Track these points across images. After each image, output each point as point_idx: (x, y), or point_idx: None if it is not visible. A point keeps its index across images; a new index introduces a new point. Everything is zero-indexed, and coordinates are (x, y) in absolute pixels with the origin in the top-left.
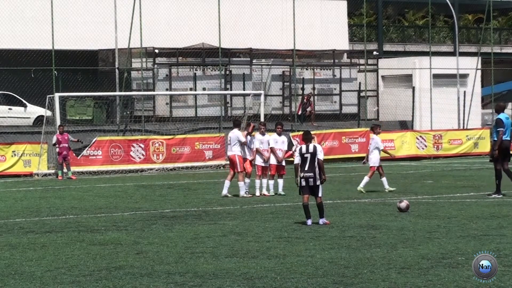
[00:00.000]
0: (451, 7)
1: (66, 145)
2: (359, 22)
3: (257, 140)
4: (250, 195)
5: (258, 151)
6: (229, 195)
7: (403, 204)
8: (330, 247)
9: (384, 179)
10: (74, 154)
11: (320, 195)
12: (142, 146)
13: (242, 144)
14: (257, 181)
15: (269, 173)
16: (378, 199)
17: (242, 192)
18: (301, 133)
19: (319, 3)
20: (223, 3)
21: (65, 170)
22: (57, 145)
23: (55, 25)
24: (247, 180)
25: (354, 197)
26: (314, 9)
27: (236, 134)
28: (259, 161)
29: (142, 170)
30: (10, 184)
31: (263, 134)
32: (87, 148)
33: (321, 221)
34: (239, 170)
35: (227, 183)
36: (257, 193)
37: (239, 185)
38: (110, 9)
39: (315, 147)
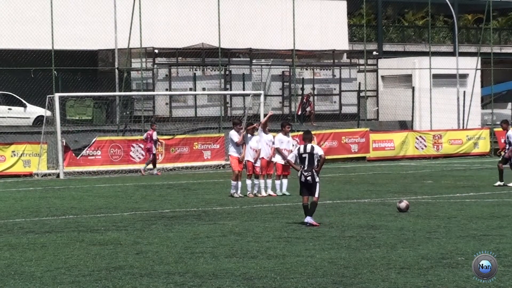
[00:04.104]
0: (451, 7)
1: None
2: (359, 22)
3: (253, 140)
4: (242, 195)
5: (278, 151)
6: (242, 195)
7: (403, 204)
8: (330, 247)
9: None
10: (73, 154)
11: (317, 195)
12: (142, 146)
13: (236, 144)
14: (262, 181)
15: (275, 173)
16: (378, 199)
17: (233, 191)
18: (300, 133)
19: (319, 3)
20: (223, 4)
21: (143, 166)
22: (148, 141)
23: (55, 25)
24: (256, 181)
25: (354, 197)
26: (313, 9)
27: (230, 134)
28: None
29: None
30: (10, 184)
31: (266, 133)
32: (87, 148)
33: (307, 219)
34: (232, 170)
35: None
36: (263, 193)
37: (232, 184)
38: (109, 9)
39: (312, 147)
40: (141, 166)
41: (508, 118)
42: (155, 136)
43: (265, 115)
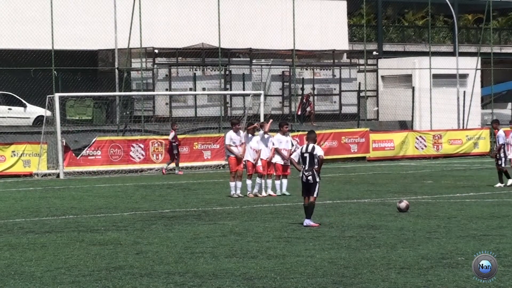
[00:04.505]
0: (451, 7)
1: (178, 143)
2: (359, 22)
3: (253, 140)
4: (242, 195)
5: (277, 151)
6: (242, 195)
7: (403, 204)
8: (330, 247)
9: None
10: (73, 154)
11: (315, 195)
12: (142, 146)
13: (226, 148)
14: (262, 181)
15: (275, 173)
16: (378, 199)
17: (232, 192)
18: (300, 133)
19: (319, 3)
20: (223, 3)
21: (172, 165)
22: (174, 141)
23: (55, 25)
24: (258, 181)
25: (354, 197)
26: (313, 9)
27: (226, 135)
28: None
29: (141, 170)
30: (10, 184)
31: (266, 133)
32: (87, 148)
33: (305, 222)
34: (230, 171)
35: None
36: (263, 193)
37: (230, 185)
38: (109, 9)
39: (313, 147)
40: (142, 166)
41: (508, 118)
42: (170, 136)
43: (265, 116)
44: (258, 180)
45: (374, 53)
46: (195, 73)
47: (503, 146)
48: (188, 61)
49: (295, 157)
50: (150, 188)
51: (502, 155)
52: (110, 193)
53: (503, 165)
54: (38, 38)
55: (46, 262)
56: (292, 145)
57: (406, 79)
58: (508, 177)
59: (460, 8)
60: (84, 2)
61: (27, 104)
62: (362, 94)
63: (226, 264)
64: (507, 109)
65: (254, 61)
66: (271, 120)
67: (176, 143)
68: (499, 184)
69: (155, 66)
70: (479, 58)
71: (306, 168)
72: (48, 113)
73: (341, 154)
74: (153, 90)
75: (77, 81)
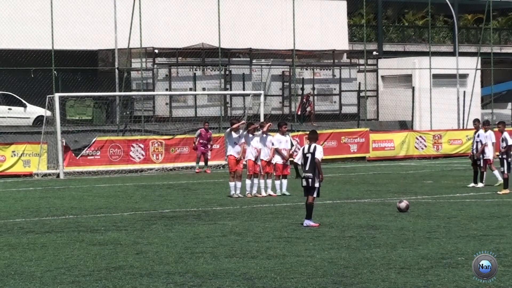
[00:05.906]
0: (451, 7)
1: (206, 141)
2: (359, 22)
3: (254, 140)
4: (241, 196)
5: (277, 151)
6: (241, 195)
7: (403, 204)
8: (330, 247)
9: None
10: (73, 154)
11: (314, 195)
12: (142, 146)
13: (233, 130)
14: (262, 181)
15: (275, 173)
16: (378, 199)
17: (232, 192)
18: (300, 133)
19: (319, 3)
20: (223, 3)
21: (202, 163)
22: (198, 139)
23: (55, 25)
24: (255, 181)
25: (354, 197)
26: (313, 9)
27: (226, 131)
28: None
29: (141, 170)
30: (10, 184)
31: (266, 134)
32: (87, 148)
33: (305, 222)
34: (230, 171)
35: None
36: (263, 193)
37: (230, 185)
38: (109, 9)
39: (315, 147)
40: (142, 166)
41: (508, 118)
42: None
43: (265, 116)
44: (255, 180)
45: (374, 53)
46: (195, 73)
47: (479, 145)
48: (188, 61)
49: (298, 160)
50: (150, 188)
51: (480, 155)
52: (110, 193)
53: (482, 165)
54: (38, 38)
55: (46, 262)
56: (292, 145)
57: (406, 79)
58: (477, 182)
59: (460, 8)
60: (84, 2)
61: (27, 104)
62: (362, 94)
63: (226, 264)
64: (507, 109)
65: (254, 61)
66: (270, 123)
67: (205, 141)
68: (499, 183)
69: (155, 66)
70: (479, 58)
71: (307, 169)
72: (48, 113)
73: (341, 154)
74: (153, 90)
75: (77, 81)
